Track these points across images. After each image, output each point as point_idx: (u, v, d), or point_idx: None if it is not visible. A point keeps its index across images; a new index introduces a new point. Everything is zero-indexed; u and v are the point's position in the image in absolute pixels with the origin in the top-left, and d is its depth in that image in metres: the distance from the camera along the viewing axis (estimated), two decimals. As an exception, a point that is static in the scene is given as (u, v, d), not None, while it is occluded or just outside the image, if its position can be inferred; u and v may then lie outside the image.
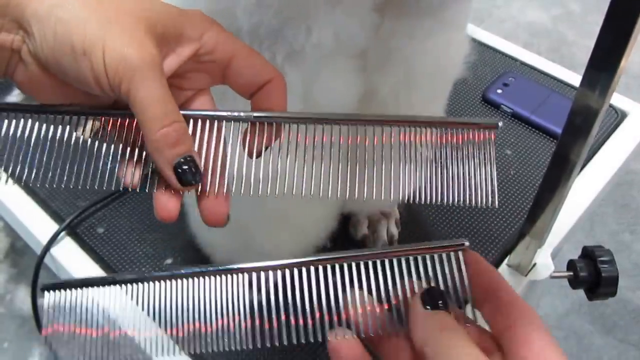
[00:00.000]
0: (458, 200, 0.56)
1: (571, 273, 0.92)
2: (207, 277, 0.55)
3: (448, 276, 0.54)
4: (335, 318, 0.53)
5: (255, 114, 0.57)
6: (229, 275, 0.55)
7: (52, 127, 0.56)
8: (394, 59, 0.77)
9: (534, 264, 0.96)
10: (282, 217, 0.87)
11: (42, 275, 1.05)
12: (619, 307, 1.94)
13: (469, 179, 0.56)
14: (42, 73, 0.53)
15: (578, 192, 1.11)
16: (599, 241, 2.04)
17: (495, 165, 0.57)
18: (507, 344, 0.52)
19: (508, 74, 1.39)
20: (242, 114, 0.57)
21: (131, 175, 0.55)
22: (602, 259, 0.89)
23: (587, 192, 1.14)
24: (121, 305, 0.55)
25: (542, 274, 0.95)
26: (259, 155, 0.57)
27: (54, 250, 1.06)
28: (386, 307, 0.54)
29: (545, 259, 0.96)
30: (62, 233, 1.08)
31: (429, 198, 0.56)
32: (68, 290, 0.55)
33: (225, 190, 0.56)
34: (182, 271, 0.55)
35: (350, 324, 0.54)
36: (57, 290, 0.55)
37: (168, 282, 0.55)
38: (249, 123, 0.57)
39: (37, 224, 1.10)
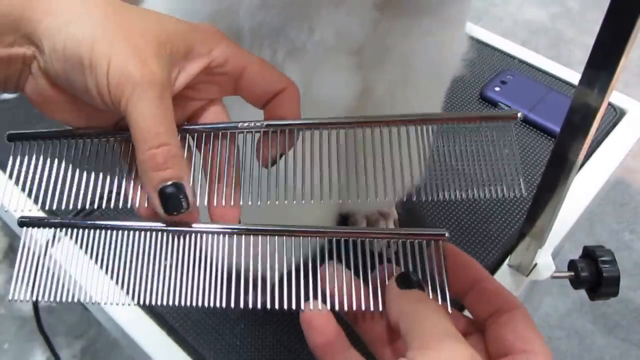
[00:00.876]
0: (482, 194, 0.56)
1: (572, 273, 0.91)
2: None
3: (426, 263, 0.55)
4: (310, 289, 0.54)
5: (268, 123, 0.58)
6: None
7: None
8: (391, 56, 0.77)
9: (535, 264, 0.95)
10: (280, 218, 0.87)
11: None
12: (621, 306, 1.94)
13: (491, 171, 0.57)
14: (51, 87, 0.54)
15: (577, 191, 1.11)
16: (599, 240, 2.04)
17: (518, 154, 0.57)
18: (491, 326, 0.54)
19: (506, 71, 1.39)
20: (253, 123, 0.58)
21: (144, 201, 0.56)
22: (603, 258, 0.89)
23: (587, 191, 1.13)
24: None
25: (543, 274, 0.95)
26: (273, 164, 0.57)
27: (52, 251, 1.05)
28: (363, 285, 0.55)
29: (546, 259, 0.96)
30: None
31: (451, 194, 0.57)
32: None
33: (234, 202, 0.56)
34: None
35: (326, 296, 0.55)
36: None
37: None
38: (262, 132, 0.58)
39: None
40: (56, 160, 0.57)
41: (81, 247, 0.58)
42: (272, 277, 0.55)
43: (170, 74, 0.54)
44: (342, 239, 0.56)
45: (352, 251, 0.55)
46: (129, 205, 0.56)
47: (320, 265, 0.56)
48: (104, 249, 0.57)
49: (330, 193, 0.56)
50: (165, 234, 0.57)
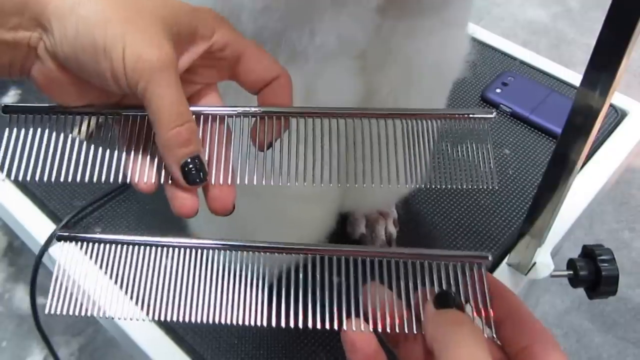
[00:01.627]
0: (459, 185, 0.57)
1: (571, 272, 0.91)
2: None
3: (469, 287, 0.54)
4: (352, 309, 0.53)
5: (264, 109, 0.59)
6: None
7: (53, 127, 0.57)
8: (394, 58, 0.77)
9: (534, 263, 0.95)
10: (281, 216, 0.87)
11: (40, 275, 1.04)
12: (619, 304, 1.94)
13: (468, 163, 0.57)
14: (59, 70, 0.53)
15: (578, 191, 1.10)
16: (599, 239, 2.04)
17: (491, 148, 0.57)
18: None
19: (507, 73, 1.39)
20: (251, 109, 0.58)
21: (143, 175, 0.56)
22: (602, 257, 0.89)
23: (587, 191, 1.13)
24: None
25: (542, 273, 0.95)
26: (268, 147, 0.58)
27: (51, 250, 1.05)
28: (404, 307, 0.54)
29: (545, 258, 0.96)
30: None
31: (432, 183, 0.57)
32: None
33: (230, 180, 0.56)
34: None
35: (368, 316, 0.54)
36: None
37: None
38: (258, 117, 0.59)
39: (35, 224, 1.10)
40: (53, 135, 0.57)
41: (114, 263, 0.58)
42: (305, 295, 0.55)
43: (177, 53, 0.54)
44: (385, 259, 0.56)
45: (395, 273, 0.55)
46: (127, 181, 0.56)
47: (363, 285, 0.55)
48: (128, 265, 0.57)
49: (330, 177, 0.56)
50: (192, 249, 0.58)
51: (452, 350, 0.48)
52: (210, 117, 0.58)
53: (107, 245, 0.58)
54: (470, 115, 0.59)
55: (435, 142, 0.58)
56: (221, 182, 0.56)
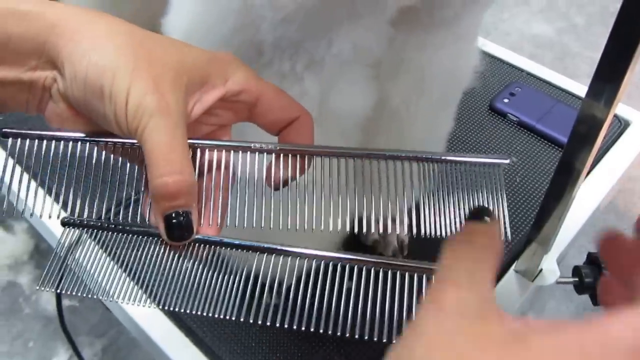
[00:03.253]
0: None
1: (576, 279, 0.91)
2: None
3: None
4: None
5: (281, 146, 0.57)
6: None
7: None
8: (406, 68, 0.77)
9: (541, 270, 0.95)
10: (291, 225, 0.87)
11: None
12: (622, 310, 1.93)
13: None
14: (69, 110, 0.54)
15: (583, 199, 1.10)
16: (603, 246, 2.03)
17: (505, 199, 0.56)
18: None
19: (514, 84, 1.39)
20: (267, 145, 0.57)
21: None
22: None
23: (592, 199, 1.13)
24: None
25: (549, 280, 0.95)
26: (284, 186, 0.56)
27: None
28: None
29: (551, 264, 0.96)
30: (84, 237, 1.07)
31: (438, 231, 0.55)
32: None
33: (218, 223, 0.55)
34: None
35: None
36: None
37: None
38: (274, 155, 0.57)
39: (60, 227, 1.10)
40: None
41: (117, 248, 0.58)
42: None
43: (187, 104, 0.54)
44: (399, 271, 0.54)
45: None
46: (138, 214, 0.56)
47: None
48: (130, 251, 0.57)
49: (335, 221, 0.55)
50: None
51: None
52: (215, 151, 0.57)
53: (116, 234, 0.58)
54: (483, 160, 0.56)
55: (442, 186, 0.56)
56: (210, 223, 0.55)
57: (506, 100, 1.34)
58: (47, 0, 0.53)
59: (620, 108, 1.31)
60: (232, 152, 0.57)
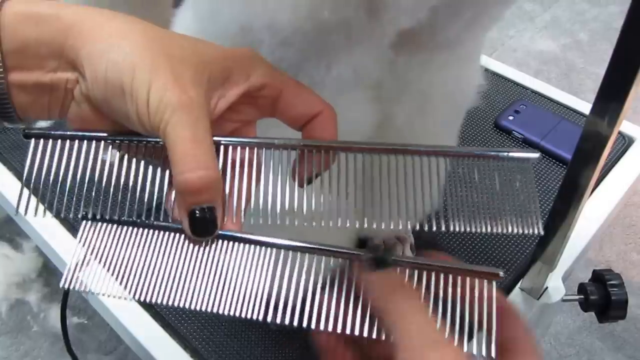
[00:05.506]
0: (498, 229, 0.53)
1: (582, 296, 0.90)
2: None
3: (476, 304, 0.50)
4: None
5: (305, 142, 0.56)
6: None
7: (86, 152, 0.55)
8: (409, 89, 0.77)
9: (546, 288, 0.94)
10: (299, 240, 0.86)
11: (70, 296, 1.04)
12: (629, 324, 1.92)
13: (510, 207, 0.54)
14: (93, 112, 0.53)
15: (588, 216, 1.09)
16: (608, 260, 2.02)
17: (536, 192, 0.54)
18: None
19: (519, 101, 1.38)
20: (290, 141, 0.56)
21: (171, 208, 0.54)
22: (611, 282, 0.87)
23: (597, 216, 1.12)
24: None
25: (554, 298, 0.94)
26: (309, 183, 0.55)
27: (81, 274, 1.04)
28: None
29: (557, 282, 0.95)
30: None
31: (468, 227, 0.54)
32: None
33: (242, 220, 0.54)
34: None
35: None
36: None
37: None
38: (298, 151, 0.56)
39: (65, 248, 1.09)
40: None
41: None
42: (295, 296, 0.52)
43: (209, 100, 0.53)
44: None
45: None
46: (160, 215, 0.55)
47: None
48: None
49: (347, 218, 0.54)
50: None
51: (403, 323, 0.47)
52: (239, 148, 0.55)
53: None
54: (511, 154, 0.55)
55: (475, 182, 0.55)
56: (234, 220, 0.53)
57: (511, 118, 1.33)
58: (61, 2, 0.52)
59: (624, 125, 1.30)
60: (255, 149, 0.56)
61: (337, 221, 0.54)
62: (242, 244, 0.53)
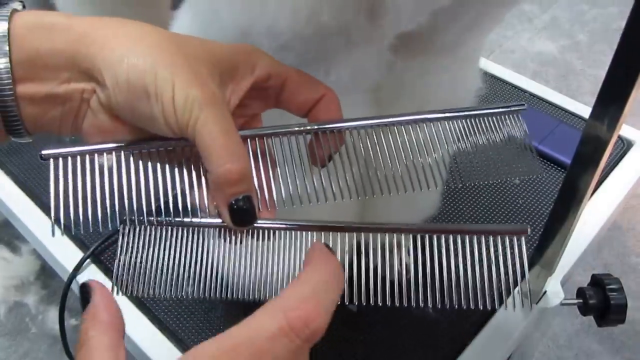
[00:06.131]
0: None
1: (581, 300, 0.90)
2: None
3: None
4: None
5: (317, 125, 0.58)
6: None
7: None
8: (407, 92, 0.77)
9: (545, 292, 0.94)
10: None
11: (69, 298, 1.04)
12: (627, 327, 1.92)
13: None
14: (112, 120, 0.54)
15: (586, 220, 1.09)
16: (607, 263, 2.02)
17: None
18: None
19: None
20: (304, 126, 0.58)
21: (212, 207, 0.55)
22: (610, 287, 0.87)
23: (595, 220, 1.12)
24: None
25: (553, 302, 0.93)
26: (327, 163, 0.58)
27: (79, 278, 1.05)
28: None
29: (556, 286, 0.94)
30: (87, 260, 1.07)
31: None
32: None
33: (275, 205, 0.56)
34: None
35: None
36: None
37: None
38: (313, 134, 0.58)
39: (63, 252, 1.09)
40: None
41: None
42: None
43: (225, 94, 0.54)
44: (419, 235, 0.56)
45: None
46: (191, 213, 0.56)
47: None
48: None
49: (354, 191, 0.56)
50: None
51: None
52: (257, 138, 0.57)
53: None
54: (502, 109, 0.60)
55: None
56: (268, 209, 0.55)
57: (509, 121, 1.32)
58: (70, 13, 0.52)
59: (623, 128, 1.30)
60: (272, 138, 0.58)
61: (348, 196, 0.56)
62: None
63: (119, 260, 0.57)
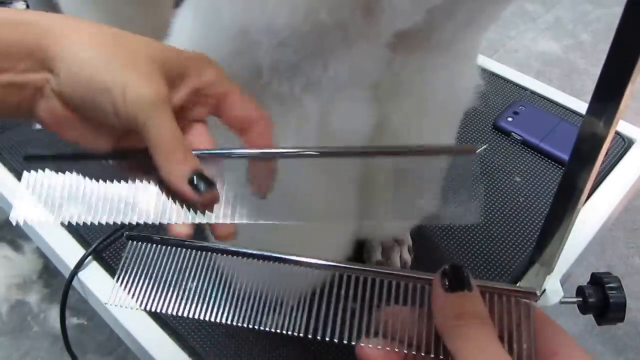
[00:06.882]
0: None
1: (580, 299, 0.90)
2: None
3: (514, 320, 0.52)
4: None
5: (320, 149, 0.59)
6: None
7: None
8: (405, 89, 0.77)
9: (544, 290, 0.94)
10: (297, 243, 0.86)
11: (70, 297, 1.04)
12: (630, 328, 1.91)
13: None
14: (63, 107, 0.57)
15: (587, 218, 1.09)
16: (610, 264, 2.02)
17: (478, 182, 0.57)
18: None
19: (518, 102, 1.39)
20: (306, 150, 0.60)
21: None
22: (610, 285, 0.87)
23: (596, 219, 1.12)
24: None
25: (552, 300, 0.93)
26: (268, 192, 0.60)
27: (81, 274, 1.05)
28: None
29: (555, 285, 0.94)
30: (89, 257, 1.07)
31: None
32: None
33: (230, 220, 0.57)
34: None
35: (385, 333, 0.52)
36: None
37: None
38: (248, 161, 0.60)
39: (65, 249, 1.10)
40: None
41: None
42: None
43: (170, 94, 0.57)
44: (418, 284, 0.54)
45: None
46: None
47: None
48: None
49: (342, 216, 0.56)
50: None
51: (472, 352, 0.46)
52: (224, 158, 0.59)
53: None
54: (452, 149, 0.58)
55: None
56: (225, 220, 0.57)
57: (510, 119, 1.34)
58: (42, 11, 0.56)
59: (624, 126, 1.30)
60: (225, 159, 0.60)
61: (340, 219, 0.55)
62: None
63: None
